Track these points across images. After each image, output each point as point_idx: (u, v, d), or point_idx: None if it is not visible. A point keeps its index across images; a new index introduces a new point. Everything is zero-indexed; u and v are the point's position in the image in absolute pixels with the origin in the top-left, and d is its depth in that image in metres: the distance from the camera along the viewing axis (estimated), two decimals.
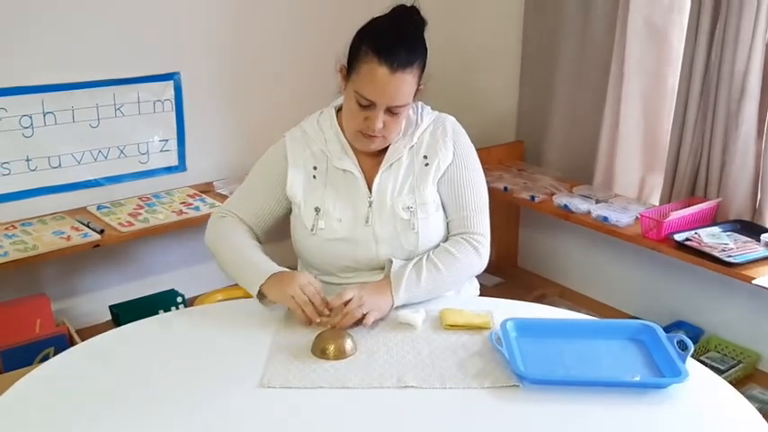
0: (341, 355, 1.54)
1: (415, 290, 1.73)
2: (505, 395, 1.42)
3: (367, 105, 1.72)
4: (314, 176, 1.83)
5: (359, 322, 1.64)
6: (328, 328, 1.61)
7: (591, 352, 1.57)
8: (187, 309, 2.65)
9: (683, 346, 1.53)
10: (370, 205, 1.80)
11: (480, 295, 1.99)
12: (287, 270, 1.72)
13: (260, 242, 1.87)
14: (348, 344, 1.56)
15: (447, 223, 1.86)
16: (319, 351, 1.55)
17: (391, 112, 1.73)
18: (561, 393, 1.42)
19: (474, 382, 1.45)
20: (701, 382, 1.48)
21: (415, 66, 1.71)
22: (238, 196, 1.91)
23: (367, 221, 1.80)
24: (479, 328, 1.66)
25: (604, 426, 1.36)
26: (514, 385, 1.44)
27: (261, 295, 1.70)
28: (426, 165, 1.83)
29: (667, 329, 2.92)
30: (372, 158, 1.84)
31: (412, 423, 1.36)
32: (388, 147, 1.83)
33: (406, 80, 1.70)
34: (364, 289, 1.68)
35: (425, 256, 1.78)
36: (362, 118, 1.74)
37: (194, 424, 1.35)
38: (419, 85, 1.76)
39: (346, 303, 1.64)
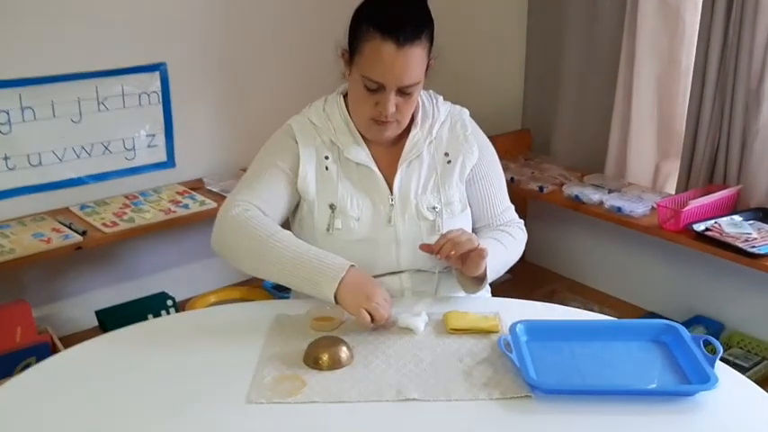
0: (335, 364, 1.43)
1: (500, 257, 1.69)
2: (517, 407, 1.32)
3: (376, 89, 1.60)
4: (326, 167, 1.70)
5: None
6: (322, 336, 1.51)
7: (609, 356, 1.46)
8: (176, 315, 2.56)
9: (710, 347, 1.43)
10: (392, 204, 1.70)
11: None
12: (359, 271, 1.56)
13: None
14: (343, 353, 1.46)
15: (476, 222, 1.80)
16: (312, 361, 1.44)
17: (403, 92, 1.61)
18: (578, 403, 1.32)
19: (482, 393, 1.35)
20: (732, 389, 1.37)
21: (422, 38, 1.59)
22: (250, 187, 1.68)
23: (389, 222, 1.69)
24: (486, 331, 1.55)
25: None
26: (526, 396, 1.34)
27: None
28: (449, 162, 1.74)
29: (686, 325, 2.80)
30: (387, 150, 1.73)
31: None
32: (402, 139, 1.72)
33: (415, 55, 1.58)
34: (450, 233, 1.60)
35: (484, 235, 1.74)
36: (373, 103, 1.63)
37: None
38: (429, 59, 1.65)
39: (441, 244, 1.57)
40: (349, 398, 1.34)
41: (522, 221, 1.85)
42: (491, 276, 1.66)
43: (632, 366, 1.44)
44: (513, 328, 1.50)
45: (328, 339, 1.49)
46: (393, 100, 1.61)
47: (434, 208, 1.71)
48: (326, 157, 1.71)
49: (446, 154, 1.75)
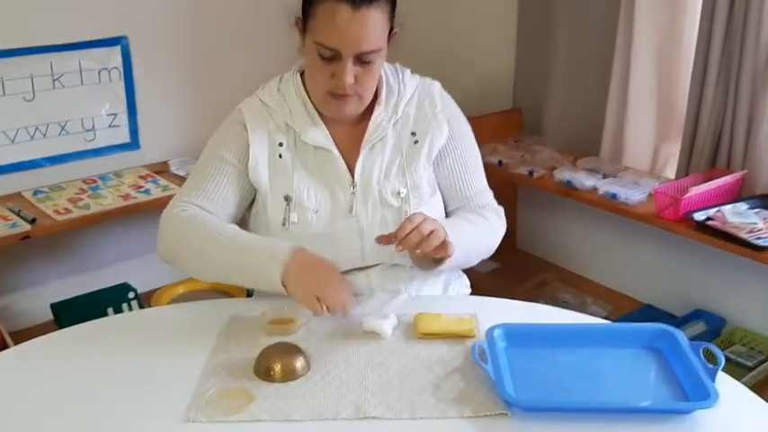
0: (289, 376, 1.30)
1: (469, 240, 1.53)
2: (490, 427, 1.18)
3: (331, 57, 1.47)
4: (280, 155, 1.58)
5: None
6: (276, 343, 1.37)
7: (597, 366, 1.33)
8: (129, 313, 2.43)
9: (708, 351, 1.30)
10: (353, 192, 1.56)
11: (472, 290, 1.78)
12: (308, 252, 1.44)
13: None
14: (298, 362, 1.32)
15: (447, 207, 1.66)
16: (263, 372, 1.31)
17: (361, 61, 1.48)
18: (560, 423, 1.18)
19: (451, 410, 1.21)
20: (733, 404, 1.23)
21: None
22: (194, 185, 1.59)
23: (351, 212, 1.56)
24: (461, 336, 1.42)
25: None
26: (502, 413, 1.20)
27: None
28: (416, 142, 1.61)
29: (686, 319, 2.70)
30: (348, 132, 1.60)
31: None
32: (365, 119, 1.59)
33: (373, 17, 1.45)
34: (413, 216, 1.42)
35: (451, 216, 1.61)
36: (329, 74, 1.49)
37: None
38: (392, 27, 1.52)
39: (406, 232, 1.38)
40: (300, 416, 1.21)
41: (501, 209, 1.70)
42: (456, 261, 1.51)
43: (623, 378, 1.30)
44: (490, 332, 1.37)
45: (282, 347, 1.36)
46: (351, 70, 1.48)
47: (400, 193, 1.58)
48: (280, 144, 1.58)
49: (413, 133, 1.61)
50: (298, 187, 1.56)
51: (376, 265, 1.59)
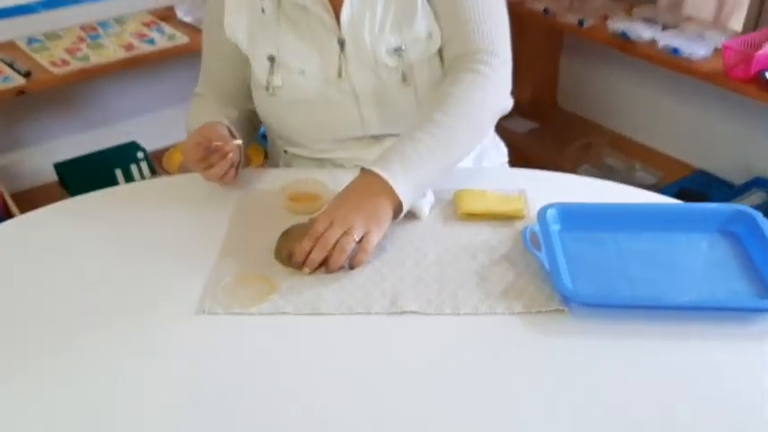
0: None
1: (420, 165, 1.23)
2: (545, 324, 1.07)
3: None
4: (262, 10, 1.41)
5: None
6: (300, 223, 1.25)
7: (665, 254, 1.20)
8: (142, 182, 2.30)
9: None
10: (341, 49, 1.38)
11: (511, 156, 1.64)
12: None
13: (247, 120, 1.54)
14: None
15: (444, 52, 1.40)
16: (286, 256, 1.19)
17: None
18: (625, 320, 1.07)
19: (499, 305, 1.10)
20: None
21: None
22: (203, 67, 1.55)
23: (340, 74, 1.39)
24: (508, 217, 1.29)
25: (686, 368, 1.00)
26: (558, 310, 1.09)
27: None
28: None
29: (744, 188, 2.56)
30: None
31: (410, 367, 1.01)
32: None
33: None
34: (333, 203, 1.22)
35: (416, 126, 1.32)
36: None
37: (92, 365, 1.02)
38: None
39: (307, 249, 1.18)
40: (329, 309, 1.10)
41: (488, 54, 1.35)
42: (434, 175, 1.28)
43: (695, 269, 1.18)
44: (542, 213, 1.24)
45: (307, 228, 1.23)
46: None
47: (397, 50, 1.38)
48: None
49: None
50: (282, 46, 1.40)
51: (387, 136, 1.44)
